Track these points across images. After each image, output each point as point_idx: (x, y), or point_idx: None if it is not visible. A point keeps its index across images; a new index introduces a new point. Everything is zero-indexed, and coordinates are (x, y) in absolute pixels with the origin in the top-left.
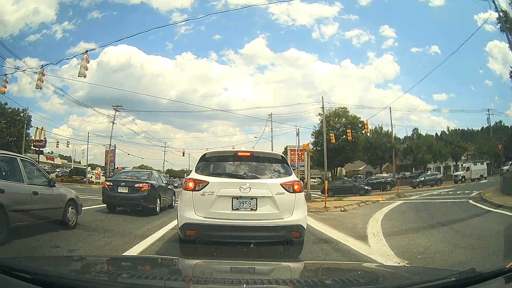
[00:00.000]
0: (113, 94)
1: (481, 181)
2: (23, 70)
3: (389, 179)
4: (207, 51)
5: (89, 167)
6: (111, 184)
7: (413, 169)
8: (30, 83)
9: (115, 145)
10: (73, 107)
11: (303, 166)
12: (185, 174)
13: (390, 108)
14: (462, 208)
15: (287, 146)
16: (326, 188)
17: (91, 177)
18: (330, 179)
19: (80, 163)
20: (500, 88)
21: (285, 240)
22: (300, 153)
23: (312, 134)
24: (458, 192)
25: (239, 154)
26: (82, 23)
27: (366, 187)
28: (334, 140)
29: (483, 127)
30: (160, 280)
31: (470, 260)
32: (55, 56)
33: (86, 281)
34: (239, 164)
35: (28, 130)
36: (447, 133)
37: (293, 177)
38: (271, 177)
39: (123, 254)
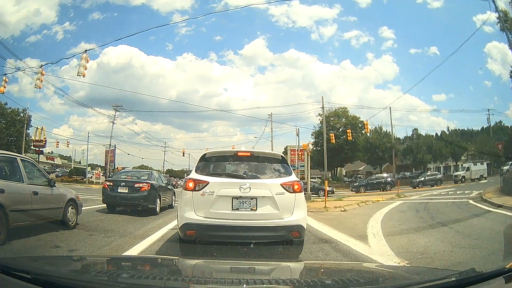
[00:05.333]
0: (113, 94)
1: (481, 181)
2: (23, 70)
3: (389, 179)
4: (208, 52)
5: (89, 167)
6: (111, 184)
7: (413, 169)
8: (30, 83)
9: (115, 145)
10: (73, 107)
11: (303, 166)
12: (185, 174)
13: (390, 108)
14: (462, 208)
15: (287, 146)
16: (326, 188)
17: (91, 177)
18: (331, 179)
19: (80, 163)
20: (499, 88)
21: (285, 240)
22: (300, 153)
23: (312, 134)
24: (458, 192)
25: (239, 154)
26: (83, 24)
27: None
28: (334, 140)
29: (483, 127)
30: (160, 280)
31: (470, 260)
32: (56, 57)
33: (86, 281)
34: (239, 164)
35: (28, 130)
36: (447, 133)
37: (293, 177)
38: (271, 177)
39: (123, 254)
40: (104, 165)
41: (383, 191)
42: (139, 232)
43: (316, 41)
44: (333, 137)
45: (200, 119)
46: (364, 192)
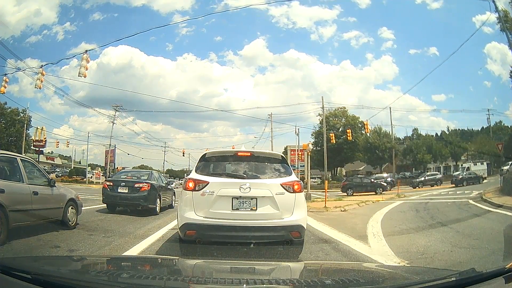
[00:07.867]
0: (113, 94)
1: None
2: (23, 70)
3: (389, 179)
4: (208, 52)
5: (89, 167)
6: (111, 184)
7: (413, 169)
8: (30, 83)
9: (115, 145)
10: (73, 108)
11: (303, 166)
12: (185, 174)
13: (390, 108)
14: (462, 208)
15: (287, 146)
16: (326, 187)
17: (91, 177)
18: (330, 179)
19: (80, 163)
20: (499, 89)
21: (285, 240)
22: (300, 153)
23: (312, 134)
24: (458, 192)
25: (239, 154)
26: (84, 24)
27: None
28: (334, 140)
29: (483, 127)
30: (160, 280)
31: (470, 260)
32: (56, 57)
33: (86, 281)
34: (239, 164)
35: (28, 130)
36: (447, 133)
37: (293, 177)
38: (271, 177)
39: (123, 254)
40: (104, 165)
41: (376, 194)
42: (139, 232)
43: (316, 41)
44: (333, 137)
45: (200, 119)
46: (353, 194)
